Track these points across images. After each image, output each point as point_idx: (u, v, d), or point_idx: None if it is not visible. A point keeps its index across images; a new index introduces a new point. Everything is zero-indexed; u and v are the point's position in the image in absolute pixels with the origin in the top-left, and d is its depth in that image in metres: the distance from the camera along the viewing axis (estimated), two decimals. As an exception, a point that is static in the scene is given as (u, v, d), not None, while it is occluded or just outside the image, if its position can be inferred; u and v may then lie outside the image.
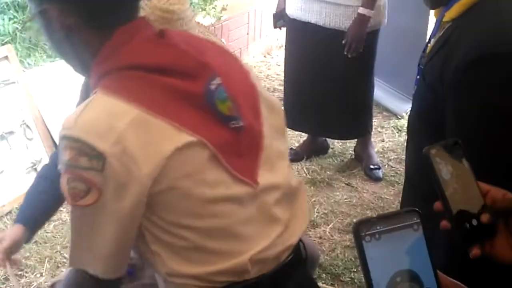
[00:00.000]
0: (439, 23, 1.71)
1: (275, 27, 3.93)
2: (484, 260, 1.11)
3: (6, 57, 3.77)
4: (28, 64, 4.17)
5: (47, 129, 3.81)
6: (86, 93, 1.98)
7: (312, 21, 3.55)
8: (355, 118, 3.80)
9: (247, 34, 5.61)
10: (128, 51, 1.33)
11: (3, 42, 4.13)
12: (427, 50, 1.75)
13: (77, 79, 3.99)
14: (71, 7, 1.32)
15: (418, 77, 1.76)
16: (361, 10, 3.38)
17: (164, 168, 1.26)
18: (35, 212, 1.93)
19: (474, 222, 1.17)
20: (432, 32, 1.76)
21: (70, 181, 1.25)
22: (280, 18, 3.82)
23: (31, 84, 3.86)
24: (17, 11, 4.48)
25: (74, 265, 1.41)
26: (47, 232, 3.39)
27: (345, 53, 3.49)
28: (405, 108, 4.52)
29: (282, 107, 1.56)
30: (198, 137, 1.29)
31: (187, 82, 1.31)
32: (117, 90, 1.27)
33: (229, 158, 1.35)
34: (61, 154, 1.26)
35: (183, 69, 1.32)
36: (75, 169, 1.23)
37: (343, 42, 3.45)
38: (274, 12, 3.88)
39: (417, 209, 0.98)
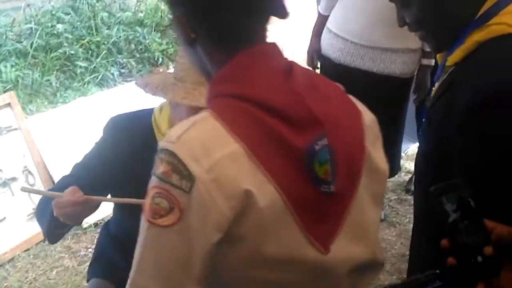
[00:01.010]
0: (442, 67, 1.71)
1: (313, 67, 3.73)
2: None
3: (8, 104, 3.78)
4: (30, 110, 4.19)
5: (49, 175, 3.79)
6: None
7: (364, 68, 3.40)
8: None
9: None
10: (248, 81, 1.29)
11: (5, 89, 4.15)
12: (432, 94, 1.75)
13: (78, 126, 4.02)
14: (196, 19, 1.31)
15: (423, 119, 1.75)
16: (426, 61, 3.45)
17: (243, 213, 1.22)
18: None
19: (479, 258, 1.23)
20: (436, 76, 1.76)
21: (156, 196, 1.22)
22: (318, 57, 3.66)
23: (33, 130, 3.86)
24: (18, 58, 4.53)
25: None
26: (49, 279, 3.36)
27: (414, 102, 3.56)
28: (404, 148, 4.52)
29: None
30: (282, 195, 1.24)
31: (294, 132, 1.25)
32: (225, 118, 1.24)
33: (308, 220, 1.28)
34: (156, 165, 1.24)
35: (296, 118, 1.26)
36: (165, 184, 1.21)
37: (412, 91, 3.52)
38: (309, 50, 3.72)
39: (437, 272, 0.98)
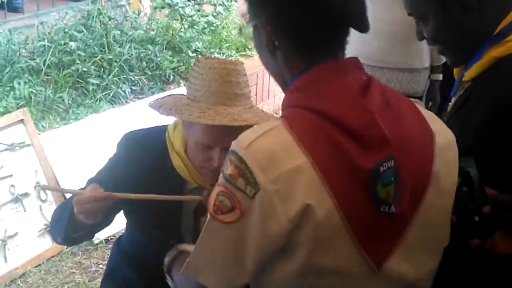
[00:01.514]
0: (459, 82, 1.71)
1: None
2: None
3: (21, 120, 3.80)
4: (43, 126, 4.20)
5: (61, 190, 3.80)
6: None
7: None
8: None
9: (255, 94, 5.66)
10: (323, 95, 1.30)
11: (18, 106, 4.17)
12: (448, 109, 1.75)
13: (90, 142, 4.03)
14: (279, 27, 1.33)
15: None
16: (435, 76, 3.47)
17: (300, 225, 1.25)
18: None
19: (476, 218, 1.49)
20: (452, 91, 1.76)
21: (220, 194, 1.27)
22: None
23: (45, 147, 3.88)
24: (32, 75, 4.55)
25: (187, 271, 1.39)
26: (60, 295, 3.35)
27: None
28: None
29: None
30: (340, 212, 1.25)
31: (362, 152, 1.26)
32: (297, 130, 1.26)
33: (364, 238, 1.29)
34: (226, 164, 1.28)
35: (366, 138, 1.27)
36: (230, 185, 1.25)
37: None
38: None
39: None
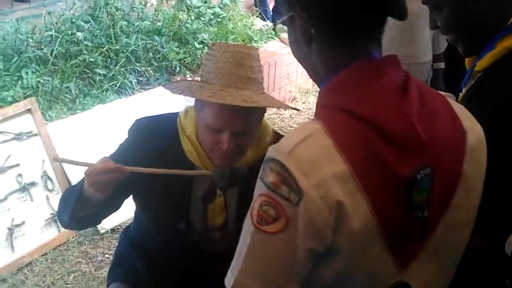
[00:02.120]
0: (470, 73, 1.70)
1: None
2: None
3: (29, 110, 3.79)
4: (50, 116, 4.19)
5: (68, 180, 3.80)
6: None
7: None
8: None
9: (262, 86, 5.65)
10: (362, 97, 1.27)
11: (25, 95, 4.17)
12: (459, 99, 1.75)
13: (96, 132, 4.03)
14: (317, 16, 1.30)
15: None
16: (437, 65, 3.46)
17: (338, 226, 1.24)
18: None
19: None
20: (463, 81, 1.75)
21: (264, 203, 1.25)
22: None
23: (52, 136, 3.87)
24: (39, 65, 4.55)
25: None
26: (67, 284, 3.35)
27: None
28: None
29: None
30: (376, 217, 1.24)
31: (400, 158, 1.24)
32: (337, 135, 1.24)
33: (394, 240, 1.29)
34: (265, 172, 1.26)
35: (404, 144, 1.25)
36: (273, 194, 1.23)
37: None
38: None
39: None
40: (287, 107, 1.96)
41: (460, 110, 1.39)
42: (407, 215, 1.27)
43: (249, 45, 1.81)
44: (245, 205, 1.32)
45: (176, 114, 2.01)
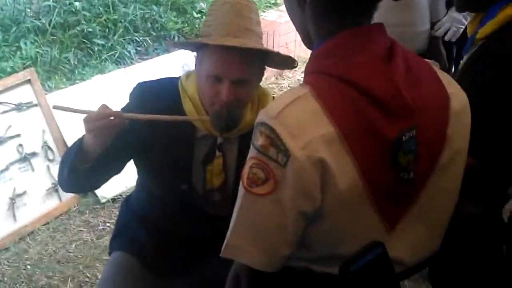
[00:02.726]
0: (472, 40, 1.70)
1: None
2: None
3: (28, 81, 3.78)
4: (49, 86, 4.18)
5: (68, 150, 3.81)
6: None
7: None
8: None
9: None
10: (349, 63, 1.30)
11: (24, 66, 4.16)
12: (460, 66, 1.75)
13: (96, 102, 4.03)
14: None
15: None
16: (435, 32, 3.48)
17: (325, 189, 1.28)
18: None
19: None
20: (464, 49, 1.75)
21: (254, 166, 1.29)
22: None
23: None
24: (37, 35, 4.52)
25: (228, 254, 1.38)
26: (69, 252, 3.38)
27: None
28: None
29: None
30: (364, 180, 1.28)
31: (387, 121, 1.28)
32: (325, 99, 1.27)
33: (382, 202, 1.32)
34: (255, 136, 1.29)
35: (391, 108, 1.28)
36: (262, 156, 1.27)
37: None
38: None
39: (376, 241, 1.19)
40: (284, 57, 1.94)
41: (445, 77, 1.42)
42: (393, 177, 1.31)
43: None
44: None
45: (177, 78, 2.03)
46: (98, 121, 1.79)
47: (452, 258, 1.54)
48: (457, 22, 3.44)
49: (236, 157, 2.00)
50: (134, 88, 2.03)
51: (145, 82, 2.05)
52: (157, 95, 1.99)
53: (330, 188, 1.26)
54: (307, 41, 1.41)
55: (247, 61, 1.82)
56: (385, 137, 1.27)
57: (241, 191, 1.32)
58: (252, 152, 1.30)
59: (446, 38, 3.46)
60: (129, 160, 2.05)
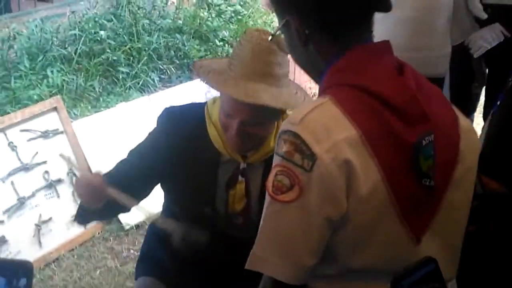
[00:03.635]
0: None
1: None
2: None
3: (55, 108, 3.81)
4: (74, 114, 4.23)
5: (93, 177, 3.82)
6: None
7: None
8: None
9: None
10: (366, 73, 1.34)
11: (51, 93, 4.20)
12: (508, 85, 1.76)
13: (120, 129, 4.06)
14: (309, 18, 1.36)
15: (498, 102, 1.77)
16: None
17: (350, 192, 1.27)
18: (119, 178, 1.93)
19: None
20: None
21: (278, 173, 1.28)
22: None
23: (78, 134, 3.90)
24: (63, 64, 4.58)
25: (252, 266, 1.35)
26: (93, 279, 3.37)
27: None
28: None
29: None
30: (386, 184, 1.29)
31: (405, 126, 1.31)
32: (345, 105, 1.30)
33: (406, 209, 1.33)
34: (279, 145, 1.30)
35: (409, 113, 1.32)
36: (287, 163, 1.27)
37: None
38: None
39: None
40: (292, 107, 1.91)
41: (450, 103, 1.47)
42: (416, 183, 1.32)
43: (277, 35, 1.78)
44: None
45: (204, 103, 2.04)
46: (82, 189, 1.85)
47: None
48: (484, 40, 3.42)
49: (260, 183, 1.99)
50: (161, 113, 2.04)
51: (172, 107, 2.06)
52: (184, 120, 2.00)
53: (353, 191, 1.26)
54: (317, 76, 1.42)
55: (258, 108, 1.80)
56: (405, 141, 1.30)
57: (267, 200, 1.31)
58: (276, 160, 1.30)
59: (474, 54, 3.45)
60: (157, 184, 2.06)
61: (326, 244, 1.32)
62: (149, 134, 2.04)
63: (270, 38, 1.63)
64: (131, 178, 1.93)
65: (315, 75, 1.44)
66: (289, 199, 1.27)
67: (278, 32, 1.47)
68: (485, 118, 3.90)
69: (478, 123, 4.26)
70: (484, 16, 3.36)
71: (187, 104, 2.10)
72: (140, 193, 2.02)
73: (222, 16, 6.01)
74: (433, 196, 1.36)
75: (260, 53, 1.82)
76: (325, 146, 1.25)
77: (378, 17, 1.40)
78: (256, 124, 1.86)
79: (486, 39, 3.42)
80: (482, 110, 4.07)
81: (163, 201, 2.17)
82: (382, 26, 1.39)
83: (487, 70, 3.65)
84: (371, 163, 1.27)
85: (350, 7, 1.35)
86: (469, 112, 3.99)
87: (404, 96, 1.32)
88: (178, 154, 1.95)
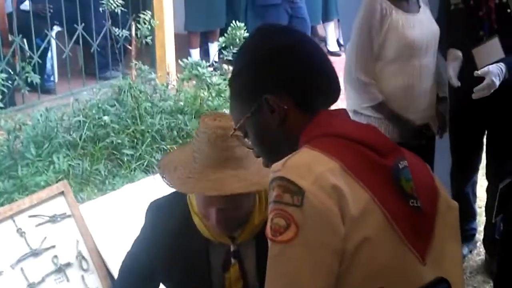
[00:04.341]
0: None
1: None
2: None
3: (62, 192, 3.83)
4: (81, 198, 4.25)
5: (102, 259, 3.80)
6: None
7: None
8: None
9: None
10: (334, 124, 1.44)
11: (57, 179, 4.24)
12: None
13: (127, 210, 4.06)
14: (292, 91, 1.46)
15: None
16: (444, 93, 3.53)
17: (349, 222, 1.31)
18: None
19: None
20: None
21: (274, 217, 1.31)
22: None
23: (85, 217, 3.90)
24: (69, 149, 4.65)
25: None
26: None
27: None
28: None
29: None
30: (378, 204, 1.34)
31: (380, 156, 1.40)
32: (321, 147, 1.38)
33: (405, 230, 1.37)
34: (270, 195, 1.34)
35: (378, 145, 1.42)
36: (279, 205, 1.31)
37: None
38: None
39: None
40: (254, 192, 1.92)
41: None
42: (405, 205, 1.38)
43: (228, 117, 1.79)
44: (264, 271, 1.33)
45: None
46: None
47: None
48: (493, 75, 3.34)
49: (255, 261, 1.97)
50: (147, 209, 2.08)
51: (156, 201, 2.09)
52: (168, 214, 2.01)
53: (346, 214, 1.30)
54: (290, 151, 1.44)
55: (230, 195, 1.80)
56: (383, 165, 1.38)
57: (269, 247, 1.33)
58: (270, 208, 1.33)
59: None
60: (160, 281, 2.08)
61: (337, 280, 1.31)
62: (141, 230, 2.06)
63: (231, 134, 1.64)
64: (139, 285, 1.99)
65: (287, 150, 1.45)
66: (287, 238, 1.28)
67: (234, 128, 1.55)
68: (488, 178, 3.89)
69: (482, 184, 4.25)
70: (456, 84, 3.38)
71: (170, 195, 2.09)
72: None
73: (222, 95, 6.10)
74: (426, 221, 1.41)
75: (216, 141, 1.82)
76: (310, 179, 1.30)
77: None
78: (235, 208, 1.85)
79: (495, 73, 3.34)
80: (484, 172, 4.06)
81: None
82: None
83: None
84: (356, 186, 1.33)
85: (327, 81, 1.51)
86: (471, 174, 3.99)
87: (371, 134, 1.46)
88: (168, 248, 1.96)
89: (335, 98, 1.55)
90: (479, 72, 3.35)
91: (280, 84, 1.45)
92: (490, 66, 3.36)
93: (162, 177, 1.91)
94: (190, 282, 1.98)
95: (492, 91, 3.35)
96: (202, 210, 1.89)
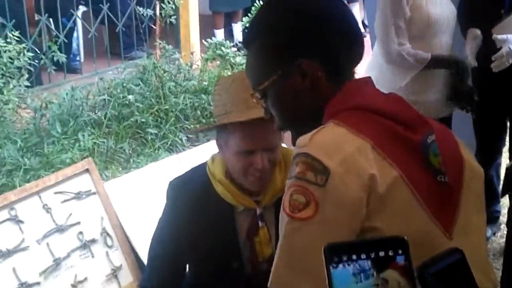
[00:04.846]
0: None
1: None
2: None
3: (87, 170, 3.87)
4: (106, 176, 4.28)
5: (126, 236, 3.84)
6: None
7: None
8: None
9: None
10: (361, 96, 1.41)
11: (83, 157, 4.28)
12: None
13: (151, 188, 4.09)
14: (327, 60, 1.43)
15: None
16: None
17: (370, 195, 1.29)
18: None
19: None
20: None
21: (293, 193, 1.29)
22: None
23: (110, 194, 3.94)
24: (94, 128, 4.68)
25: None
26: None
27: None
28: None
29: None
30: (407, 182, 1.31)
31: (408, 131, 1.37)
32: (346, 122, 1.35)
33: (432, 206, 1.35)
34: (291, 170, 1.32)
35: (407, 120, 1.39)
36: (301, 182, 1.28)
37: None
38: None
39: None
40: None
41: None
42: (432, 180, 1.35)
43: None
44: None
45: (204, 163, 2.05)
46: None
47: None
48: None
49: (275, 228, 1.97)
50: (167, 188, 2.10)
51: (175, 179, 2.11)
52: (189, 189, 2.03)
53: (373, 195, 1.27)
54: (314, 121, 1.43)
55: (271, 128, 1.81)
56: (412, 141, 1.35)
57: (283, 221, 1.30)
58: (289, 183, 1.31)
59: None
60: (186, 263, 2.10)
61: None
62: (163, 210, 2.07)
63: (250, 93, 1.57)
64: (168, 271, 2.03)
65: (309, 118, 1.45)
66: (306, 216, 1.26)
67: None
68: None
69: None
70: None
71: (188, 171, 2.14)
72: (181, 275, 2.09)
73: (245, 75, 6.11)
74: (452, 195, 1.39)
75: (236, 82, 1.90)
76: (337, 159, 1.27)
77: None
78: (274, 148, 1.89)
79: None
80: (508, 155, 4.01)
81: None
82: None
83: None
84: (385, 163, 1.30)
85: (359, 47, 1.48)
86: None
87: (399, 107, 1.41)
88: (192, 222, 1.98)
89: (359, 61, 1.53)
90: (498, 37, 3.30)
91: (318, 51, 1.42)
92: (510, 35, 3.34)
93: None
94: (219, 251, 2.00)
95: (511, 61, 3.31)
96: (243, 161, 1.89)
